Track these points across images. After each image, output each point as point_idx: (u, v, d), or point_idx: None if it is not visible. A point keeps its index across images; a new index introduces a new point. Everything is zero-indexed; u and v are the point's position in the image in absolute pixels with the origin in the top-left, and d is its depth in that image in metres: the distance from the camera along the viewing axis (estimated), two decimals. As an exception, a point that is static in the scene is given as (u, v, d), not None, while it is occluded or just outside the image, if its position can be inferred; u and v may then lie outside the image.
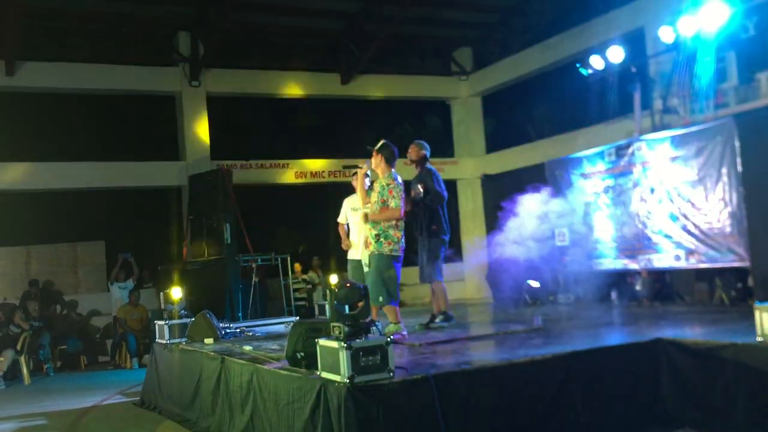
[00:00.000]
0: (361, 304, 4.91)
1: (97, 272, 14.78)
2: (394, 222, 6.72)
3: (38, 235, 14.38)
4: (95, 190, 14.82)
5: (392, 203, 6.70)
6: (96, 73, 14.42)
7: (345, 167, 7.91)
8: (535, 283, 11.07)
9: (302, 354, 5.29)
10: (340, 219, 8.08)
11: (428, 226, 7.57)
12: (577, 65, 11.94)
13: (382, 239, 6.71)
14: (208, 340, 7.88)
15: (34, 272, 14.09)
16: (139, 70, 14.77)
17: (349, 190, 7.98)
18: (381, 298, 6.67)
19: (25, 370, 11.26)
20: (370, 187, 7.17)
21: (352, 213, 7.87)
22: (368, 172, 7.33)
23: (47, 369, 11.98)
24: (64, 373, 12.22)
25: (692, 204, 9.16)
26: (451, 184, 17.02)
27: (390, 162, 6.85)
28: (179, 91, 15.11)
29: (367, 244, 6.90)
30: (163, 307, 8.58)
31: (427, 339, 6.73)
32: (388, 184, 6.75)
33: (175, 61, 15.03)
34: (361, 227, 7.49)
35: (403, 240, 6.82)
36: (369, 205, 6.97)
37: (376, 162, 6.90)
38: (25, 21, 13.04)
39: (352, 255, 7.86)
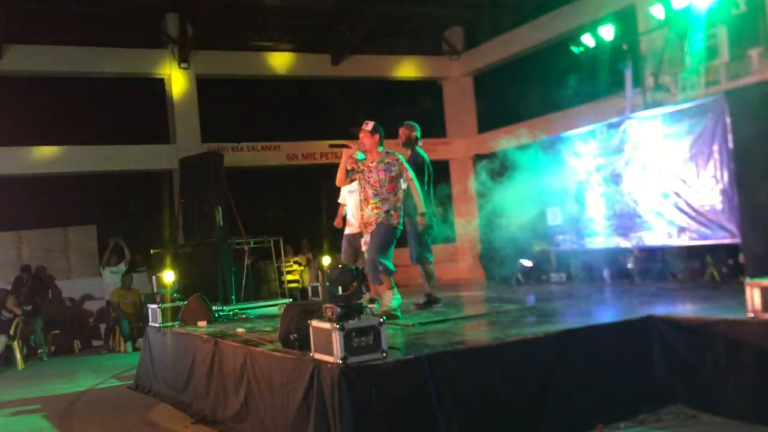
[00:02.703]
0: (353, 285, 4.90)
1: (89, 257, 14.74)
2: (401, 199, 6.86)
3: (29, 219, 14.31)
4: (86, 174, 14.76)
5: (407, 174, 6.88)
6: (84, 56, 14.31)
7: (332, 146, 7.93)
8: (527, 263, 11.10)
9: (295, 335, 5.29)
10: (341, 200, 8.18)
11: (415, 209, 7.56)
12: (569, 44, 11.90)
13: (392, 212, 6.78)
14: (201, 323, 7.88)
15: (26, 257, 14.06)
16: (128, 53, 14.66)
17: None
18: (381, 268, 6.73)
19: (18, 355, 11.26)
20: (353, 170, 7.17)
21: (349, 194, 7.95)
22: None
23: (41, 354, 11.98)
24: (57, 357, 12.22)
25: (684, 181, 9.16)
26: (443, 164, 17.00)
27: (382, 142, 6.94)
28: (168, 73, 15.01)
29: (368, 226, 6.93)
30: (155, 290, 8.58)
31: (420, 319, 6.75)
32: (396, 161, 6.85)
33: (163, 43, 14.91)
34: (358, 206, 7.58)
35: (401, 218, 6.89)
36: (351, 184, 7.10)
37: (372, 142, 6.89)
38: (12, 4, 12.90)
39: (348, 231, 7.95)
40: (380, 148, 6.92)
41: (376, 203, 6.83)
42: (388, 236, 6.79)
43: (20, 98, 13.86)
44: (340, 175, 6.95)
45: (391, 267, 6.83)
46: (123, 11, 14.51)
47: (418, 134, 7.80)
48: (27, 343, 12.01)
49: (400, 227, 6.88)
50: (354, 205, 7.79)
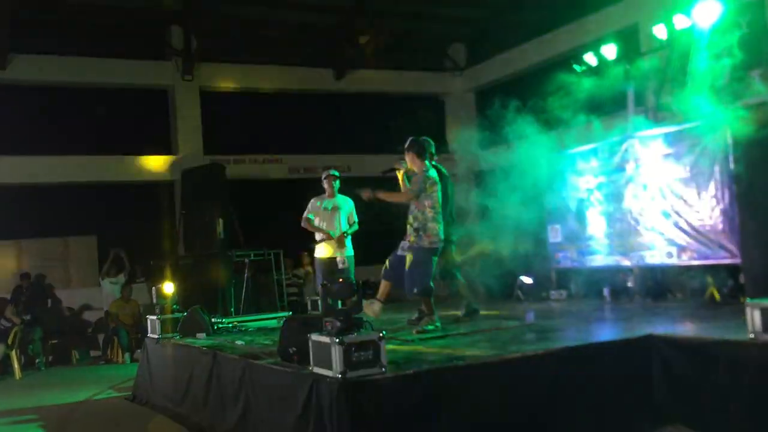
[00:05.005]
0: (353, 299, 4.91)
1: (88, 267, 14.73)
2: (432, 214, 6.86)
3: (29, 229, 14.31)
4: (87, 184, 14.77)
5: (408, 187, 6.94)
6: (88, 66, 14.38)
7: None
8: (527, 279, 11.09)
9: (294, 349, 5.28)
10: (306, 216, 8.32)
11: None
12: (571, 62, 11.94)
13: (421, 233, 6.85)
14: (200, 335, 7.87)
15: (26, 267, 14.04)
16: (132, 64, 14.73)
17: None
18: (415, 290, 6.83)
19: (16, 365, 11.22)
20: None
21: (323, 212, 8.12)
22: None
23: (38, 363, 11.93)
24: (55, 367, 12.18)
25: (684, 201, 9.17)
26: (445, 180, 17.01)
27: (421, 156, 7.03)
28: (172, 85, 15.07)
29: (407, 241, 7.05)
30: (155, 301, 8.57)
31: (419, 335, 6.74)
32: (414, 173, 6.98)
33: (168, 55, 14.98)
34: (334, 227, 8.01)
35: (441, 232, 6.94)
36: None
37: (409, 159, 7.06)
38: (17, 14, 12.97)
39: (322, 253, 8.20)
40: (426, 162, 7.05)
41: (410, 220, 7.00)
42: (420, 259, 6.85)
43: (24, 108, 13.92)
44: (405, 193, 7.06)
45: (427, 289, 6.88)
46: (128, 23, 14.58)
47: (433, 150, 7.83)
48: (25, 352, 11.98)
49: (435, 245, 6.91)
50: (329, 223, 8.09)
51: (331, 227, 8.28)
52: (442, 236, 6.97)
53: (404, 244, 7.07)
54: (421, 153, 7.02)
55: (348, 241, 8.19)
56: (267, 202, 16.02)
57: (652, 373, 5.63)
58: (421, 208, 6.89)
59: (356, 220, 8.20)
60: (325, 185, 8.38)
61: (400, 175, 7.25)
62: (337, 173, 8.39)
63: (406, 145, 7.11)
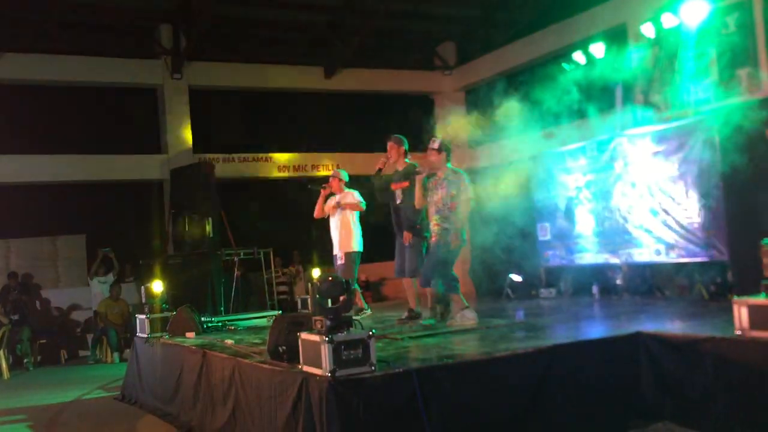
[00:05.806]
0: (343, 297, 4.90)
1: (77, 266, 14.66)
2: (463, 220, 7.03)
3: (18, 228, 14.22)
4: (76, 183, 14.69)
5: (465, 196, 6.97)
6: (77, 65, 14.29)
7: (310, 187, 8.17)
8: (517, 278, 11.13)
9: (284, 348, 5.29)
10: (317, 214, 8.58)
11: (411, 224, 7.58)
12: (560, 61, 11.99)
13: (452, 232, 6.96)
14: (190, 334, 7.86)
15: (14, 266, 13.95)
16: (121, 63, 14.64)
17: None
18: (435, 283, 7.10)
19: (4, 365, 11.17)
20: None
21: (332, 211, 8.19)
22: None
23: (26, 364, 11.87)
24: (43, 367, 12.13)
25: (672, 199, 9.23)
26: (434, 179, 17.02)
27: (449, 158, 7.18)
28: (161, 83, 15.00)
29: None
30: (144, 301, 8.55)
31: (410, 332, 6.75)
32: (459, 179, 7.03)
33: (157, 53, 14.92)
34: (339, 225, 8.17)
35: (464, 234, 7.08)
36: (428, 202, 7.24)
37: (439, 159, 7.10)
38: (5, 11, 12.88)
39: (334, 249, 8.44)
40: (448, 165, 7.12)
41: (436, 221, 7.03)
42: (441, 257, 6.96)
43: (11, 106, 13.81)
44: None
45: (454, 286, 7.10)
46: (117, 21, 14.51)
47: (407, 147, 7.84)
48: (13, 352, 11.92)
49: (460, 247, 7.02)
50: (334, 228, 8.24)
51: (332, 224, 8.46)
52: (464, 238, 7.05)
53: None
54: (449, 156, 7.16)
55: (357, 238, 8.30)
56: (257, 201, 15.99)
57: (641, 370, 5.66)
58: (453, 208, 6.96)
59: (361, 203, 8.34)
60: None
61: (418, 179, 7.25)
62: (340, 173, 8.43)
63: (435, 146, 7.12)
